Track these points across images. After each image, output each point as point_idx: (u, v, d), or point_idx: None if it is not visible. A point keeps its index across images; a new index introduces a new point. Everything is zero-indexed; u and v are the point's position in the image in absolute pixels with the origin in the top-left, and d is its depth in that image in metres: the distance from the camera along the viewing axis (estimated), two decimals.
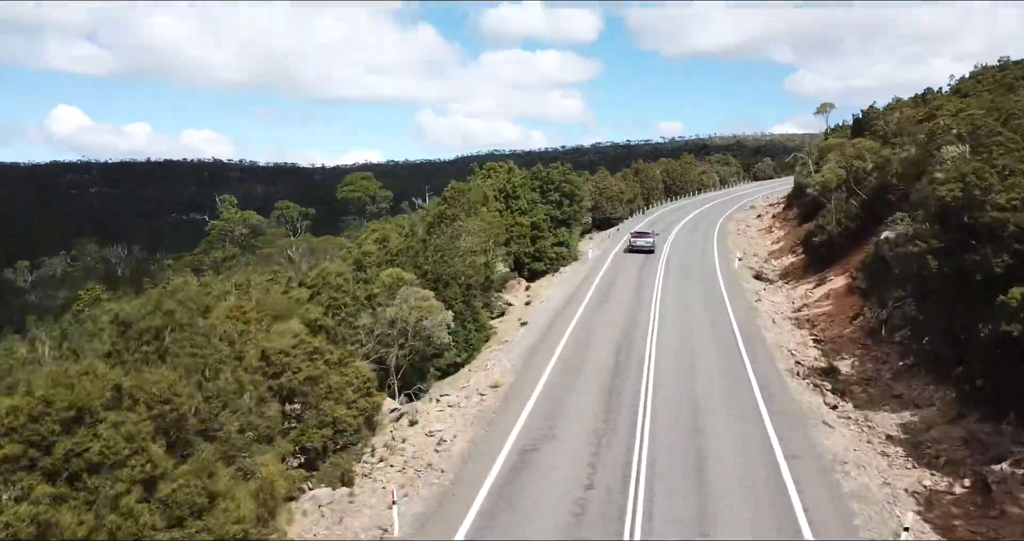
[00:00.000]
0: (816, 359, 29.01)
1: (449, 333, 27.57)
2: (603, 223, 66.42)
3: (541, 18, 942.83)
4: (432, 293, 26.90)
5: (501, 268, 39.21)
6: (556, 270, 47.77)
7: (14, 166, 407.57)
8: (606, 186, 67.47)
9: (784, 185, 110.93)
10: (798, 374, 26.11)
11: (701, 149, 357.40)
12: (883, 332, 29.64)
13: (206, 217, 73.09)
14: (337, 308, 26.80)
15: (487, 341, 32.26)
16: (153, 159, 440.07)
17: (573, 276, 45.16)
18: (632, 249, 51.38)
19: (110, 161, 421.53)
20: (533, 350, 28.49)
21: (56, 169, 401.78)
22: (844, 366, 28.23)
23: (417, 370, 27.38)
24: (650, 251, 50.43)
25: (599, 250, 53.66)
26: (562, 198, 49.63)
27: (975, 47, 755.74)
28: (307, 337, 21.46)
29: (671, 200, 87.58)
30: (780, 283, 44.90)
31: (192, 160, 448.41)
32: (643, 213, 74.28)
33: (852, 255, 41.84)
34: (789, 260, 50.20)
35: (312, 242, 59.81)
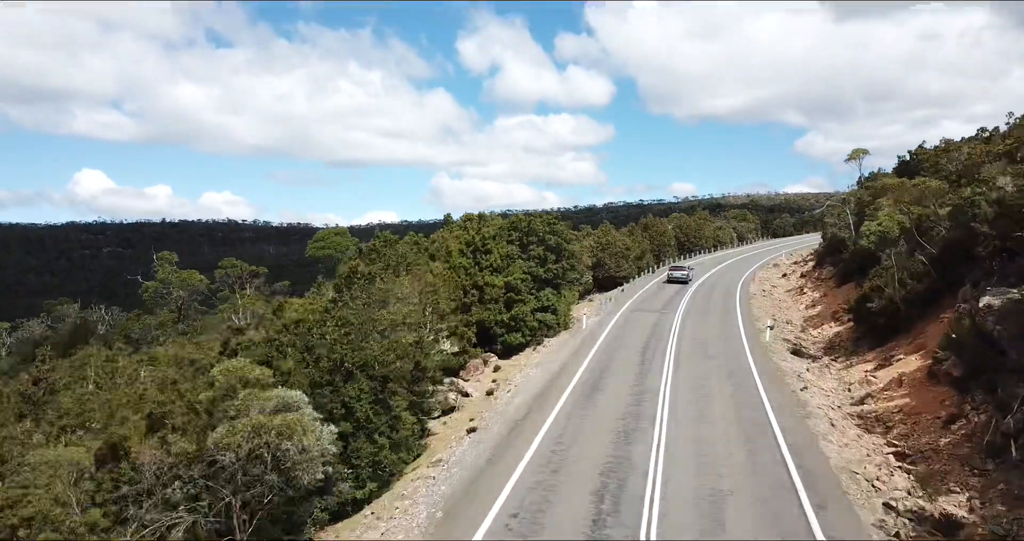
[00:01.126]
0: (911, 493, 18.67)
1: (337, 458, 17.74)
2: (607, 282, 56.68)
3: (555, 83, 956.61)
4: (303, 397, 17.11)
5: (445, 348, 29.18)
6: (539, 342, 37.76)
7: (32, 227, 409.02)
8: (609, 241, 57.92)
9: (806, 242, 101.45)
10: (898, 535, 15.77)
11: (715, 207, 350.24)
12: (1012, 451, 19.27)
13: (139, 277, 64.17)
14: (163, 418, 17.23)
15: (416, 458, 22.26)
16: (168, 220, 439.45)
17: (559, 351, 35.05)
18: (670, 281, 59.11)
19: (125, 221, 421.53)
20: (468, 488, 18.18)
21: (71, 230, 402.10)
22: (955, 505, 17.89)
23: (284, 521, 17.40)
24: (685, 282, 58.16)
25: (597, 316, 43.64)
26: (547, 253, 39.83)
27: (984, 109, 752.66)
28: None
29: (685, 257, 78.55)
30: (826, 360, 34.57)
31: (207, 220, 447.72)
32: (652, 271, 65.21)
33: (924, 326, 31.71)
34: (832, 329, 39.86)
35: (255, 305, 50.63)
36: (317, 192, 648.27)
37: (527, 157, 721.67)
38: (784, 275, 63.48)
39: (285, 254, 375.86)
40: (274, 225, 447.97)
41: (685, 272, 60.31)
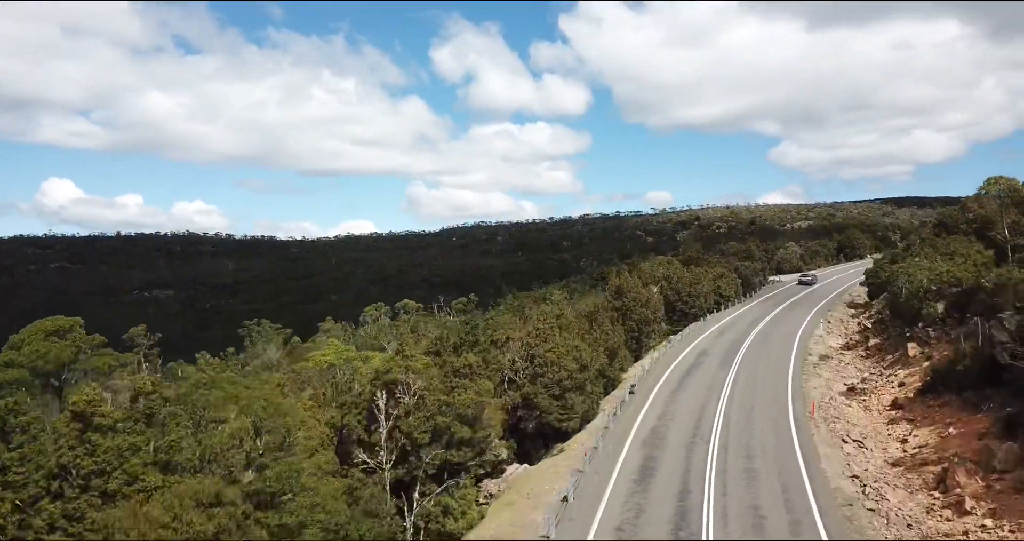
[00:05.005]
0: None
1: None
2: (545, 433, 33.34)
3: (530, 91, 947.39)
4: None
5: None
6: None
7: None
8: (545, 355, 32.44)
9: (837, 287, 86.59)
10: None
11: (694, 221, 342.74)
12: None
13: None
14: None
15: None
16: (125, 233, 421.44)
17: None
18: (801, 282, 70.58)
19: (78, 235, 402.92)
20: None
21: (16, 244, 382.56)
22: None
23: None
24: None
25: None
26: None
27: (958, 119, 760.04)
28: None
29: (677, 327, 59.09)
30: None
31: (165, 233, 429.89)
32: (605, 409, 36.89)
33: None
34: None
35: None
36: (291, 201, 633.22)
37: (504, 166, 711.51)
38: (853, 390, 39.85)
39: (246, 269, 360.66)
40: (236, 238, 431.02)
41: (811, 277, 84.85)
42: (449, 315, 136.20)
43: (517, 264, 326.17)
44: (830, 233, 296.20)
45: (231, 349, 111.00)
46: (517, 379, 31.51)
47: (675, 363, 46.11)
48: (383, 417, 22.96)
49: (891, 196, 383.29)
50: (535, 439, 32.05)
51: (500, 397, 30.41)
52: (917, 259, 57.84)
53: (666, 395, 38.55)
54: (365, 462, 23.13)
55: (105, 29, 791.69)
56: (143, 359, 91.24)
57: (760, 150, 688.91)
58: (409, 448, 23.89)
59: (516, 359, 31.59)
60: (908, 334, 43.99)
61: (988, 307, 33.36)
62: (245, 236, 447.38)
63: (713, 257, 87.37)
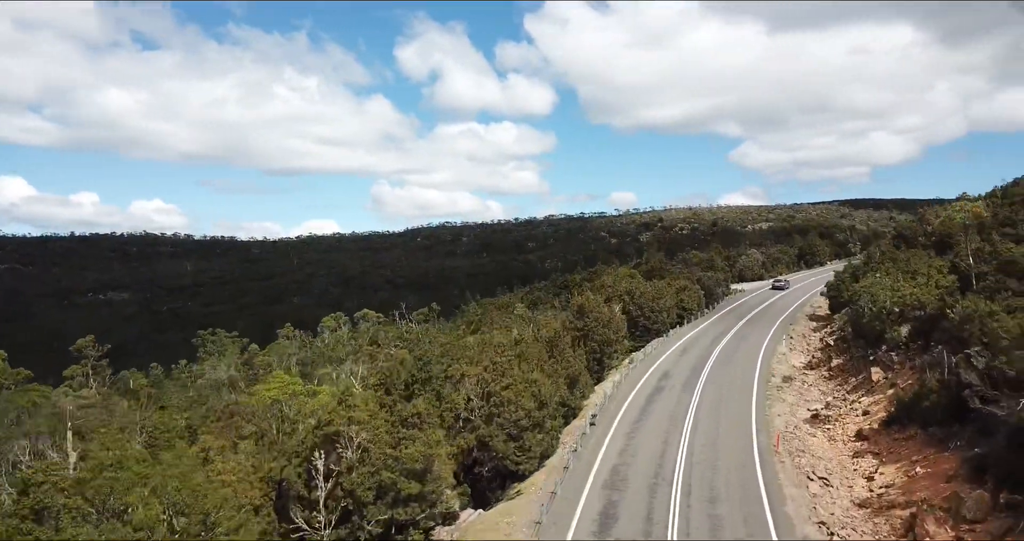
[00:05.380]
0: None
1: None
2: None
3: (496, 91, 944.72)
4: None
5: None
6: None
7: None
8: (502, 394, 30.56)
9: (794, 290, 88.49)
10: None
11: (657, 223, 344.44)
12: None
13: None
14: None
15: None
16: (78, 234, 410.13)
17: None
18: (774, 288, 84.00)
19: (29, 235, 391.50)
20: None
21: None
22: None
23: None
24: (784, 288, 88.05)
25: None
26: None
27: (912, 122, 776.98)
28: None
29: (639, 344, 57.83)
30: None
31: (120, 234, 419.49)
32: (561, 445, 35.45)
33: None
34: None
35: None
36: (254, 201, 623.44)
37: (470, 165, 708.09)
38: (817, 417, 38.80)
39: (205, 270, 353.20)
40: (195, 239, 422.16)
41: (783, 282, 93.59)
42: (411, 323, 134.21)
43: (482, 265, 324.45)
44: (790, 234, 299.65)
45: (184, 361, 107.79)
46: (472, 419, 29.93)
47: (637, 387, 44.94)
48: (321, 479, 21.23)
49: (849, 198, 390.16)
50: (491, 480, 30.53)
51: (454, 438, 28.82)
52: (878, 276, 57.68)
53: (628, 426, 37.29)
54: (304, 525, 21.38)
55: (59, 24, 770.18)
56: (91, 371, 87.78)
57: (722, 151, 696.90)
58: (352, 507, 22.23)
59: (471, 397, 30.00)
60: (871, 357, 43.41)
61: (953, 337, 32.69)
62: (205, 236, 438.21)
63: (675, 267, 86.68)
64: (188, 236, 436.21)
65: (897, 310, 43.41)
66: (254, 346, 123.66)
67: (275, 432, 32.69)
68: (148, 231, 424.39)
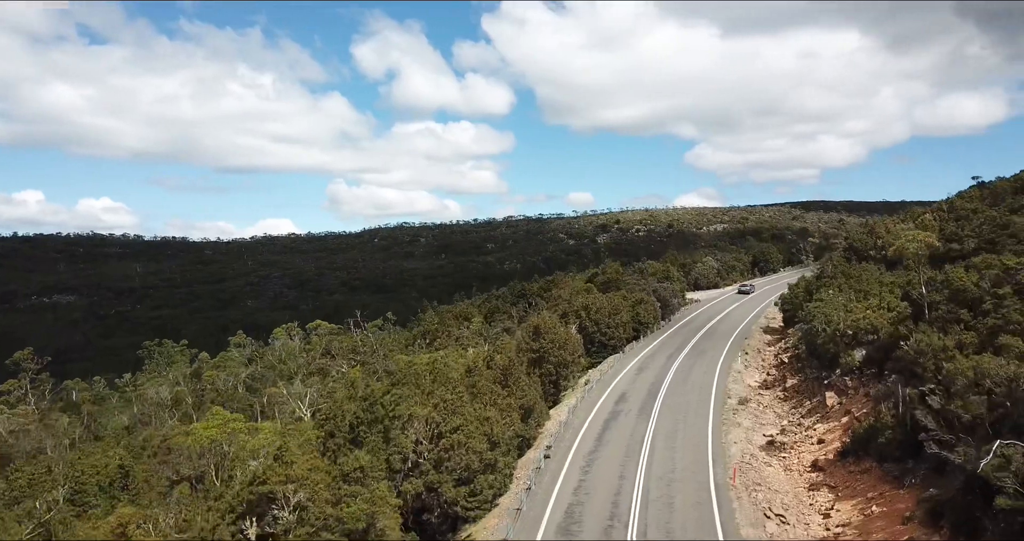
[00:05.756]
0: None
1: None
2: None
3: (454, 90, 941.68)
4: None
5: None
6: None
7: None
8: (451, 437, 29.14)
9: (750, 299, 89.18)
10: None
11: (614, 224, 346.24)
12: None
13: None
14: None
15: None
16: (21, 234, 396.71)
17: None
18: (740, 292, 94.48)
19: None
20: None
21: None
22: None
23: None
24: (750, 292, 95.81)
25: None
26: None
27: (859, 126, 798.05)
28: None
29: (596, 360, 57.98)
30: None
31: (68, 234, 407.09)
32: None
33: None
34: None
35: None
36: (207, 200, 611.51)
37: (428, 165, 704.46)
38: (773, 443, 38.85)
39: (155, 272, 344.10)
40: (145, 239, 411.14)
41: (749, 286, 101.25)
42: (366, 332, 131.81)
43: (440, 267, 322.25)
44: (744, 236, 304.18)
45: (128, 375, 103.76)
46: (422, 462, 28.71)
47: (593, 412, 44.18)
48: None
49: (800, 200, 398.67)
50: (441, 524, 29.35)
51: (401, 483, 27.57)
52: (831, 292, 57.98)
53: (583, 458, 36.42)
54: None
55: (2, 17, 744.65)
56: (29, 386, 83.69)
57: (677, 152, 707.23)
58: None
59: (420, 439, 28.79)
60: (826, 381, 43.37)
61: (907, 369, 32.54)
62: (155, 237, 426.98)
63: (631, 277, 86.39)
64: (138, 236, 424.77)
65: (851, 333, 43.40)
66: (204, 355, 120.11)
67: (213, 474, 31.06)
68: (95, 231, 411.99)
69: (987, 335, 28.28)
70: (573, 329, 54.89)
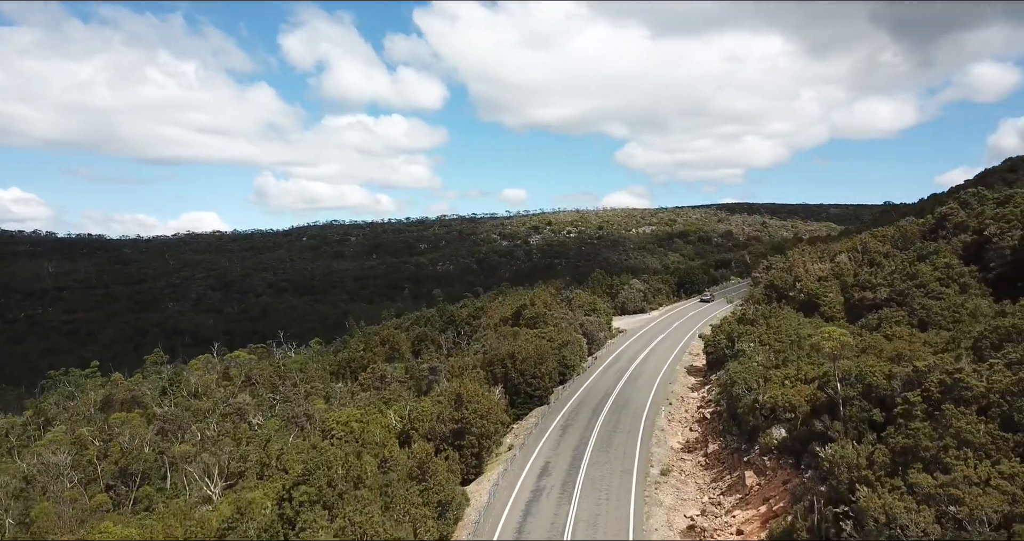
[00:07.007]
0: None
1: None
2: None
3: (386, 83, 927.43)
4: None
5: None
6: None
7: None
8: None
9: (675, 328, 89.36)
10: None
11: (546, 225, 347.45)
12: None
13: None
14: None
15: None
16: None
17: None
18: (702, 301, 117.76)
19: None
20: None
21: None
22: None
23: None
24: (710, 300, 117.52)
25: None
26: None
27: (781, 127, 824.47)
28: None
29: (521, 412, 57.93)
30: None
31: None
32: None
33: None
34: None
35: None
36: (126, 191, 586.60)
37: (359, 158, 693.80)
38: (693, 528, 38.13)
39: (69, 272, 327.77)
40: (58, 237, 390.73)
41: (708, 296, 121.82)
42: (289, 352, 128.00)
43: (372, 268, 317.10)
44: (672, 239, 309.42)
45: (28, 408, 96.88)
46: None
47: (515, 491, 43.21)
48: None
49: (725, 202, 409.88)
50: None
51: None
52: (752, 345, 58.63)
53: None
54: None
55: None
56: None
57: (608, 151, 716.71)
58: None
59: None
60: (745, 458, 43.58)
61: (823, 470, 32.66)
62: (69, 234, 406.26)
63: (559, 310, 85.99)
64: (50, 233, 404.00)
65: (769, 405, 43.69)
66: (117, 376, 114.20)
67: None
68: (2, 228, 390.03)
69: (899, 453, 28.45)
70: (497, 392, 53.92)
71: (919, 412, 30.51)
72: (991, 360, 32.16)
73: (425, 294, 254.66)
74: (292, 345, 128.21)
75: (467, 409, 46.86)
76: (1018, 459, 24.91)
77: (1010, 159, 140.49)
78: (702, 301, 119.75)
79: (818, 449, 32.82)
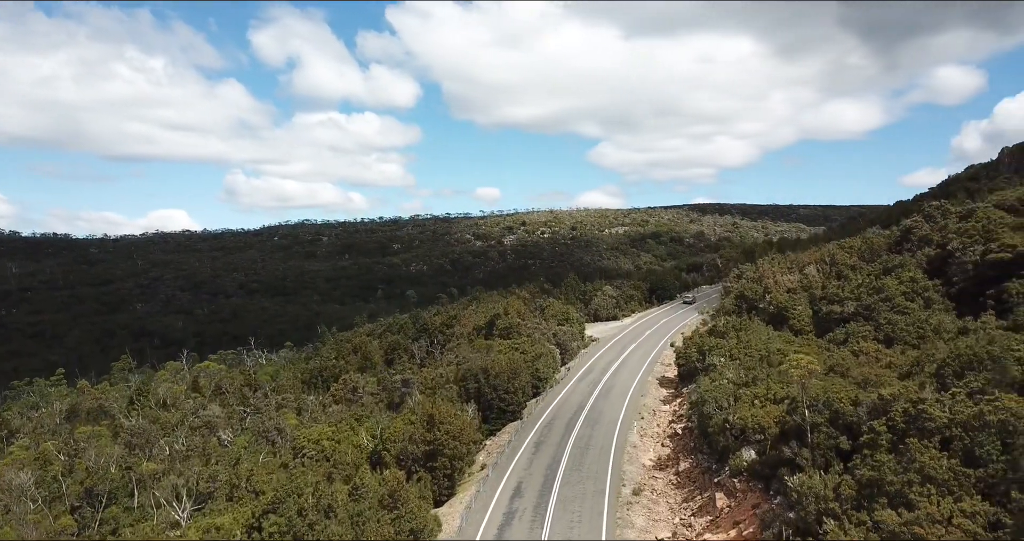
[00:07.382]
0: None
1: None
2: None
3: (358, 81, 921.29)
4: None
5: None
6: None
7: None
8: None
9: (647, 337, 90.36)
10: None
11: (520, 225, 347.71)
12: None
13: None
14: None
15: None
16: None
17: None
18: (684, 303, 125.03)
19: None
20: None
21: None
22: None
23: None
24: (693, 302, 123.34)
25: None
26: None
27: (752, 128, 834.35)
28: None
29: (495, 427, 58.57)
30: None
31: None
32: None
33: None
34: None
35: None
36: (93, 188, 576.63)
37: (331, 156, 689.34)
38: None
39: (34, 273, 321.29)
40: (23, 236, 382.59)
41: (690, 297, 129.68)
42: (259, 359, 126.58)
43: (344, 268, 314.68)
44: (644, 239, 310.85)
45: None
46: None
47: (488, 515, 43.22)
48: None
49: (696, 202, 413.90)
50: None
51: None
52: (722, 360, 59.23)
53: None
54: None
55: None
56: None
57: (581, 150, 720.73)
58: None
59: None
60: (716, 479, 44.03)
61: (791, 498, 33.12)
62: (34, 233, 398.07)
63: (533, 320, 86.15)
64: (14, 233, 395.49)
65: (740, 426, 44.18)
66: (84, 383, 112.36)
67: None
68: None
69: (865, 485, 28.93)
70: (470, 410, 53.86)
71: (884, 442, 31.05)
72: (953, 389, 32.81)
73: (398, 295, 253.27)
74: (263, 351, 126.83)
75: (439, 430, 46.75)
76: (979, 496, 25.44)
77: (972, 166, 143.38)
78: (684, 303, 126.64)
79: (787, 478, 33.21)
